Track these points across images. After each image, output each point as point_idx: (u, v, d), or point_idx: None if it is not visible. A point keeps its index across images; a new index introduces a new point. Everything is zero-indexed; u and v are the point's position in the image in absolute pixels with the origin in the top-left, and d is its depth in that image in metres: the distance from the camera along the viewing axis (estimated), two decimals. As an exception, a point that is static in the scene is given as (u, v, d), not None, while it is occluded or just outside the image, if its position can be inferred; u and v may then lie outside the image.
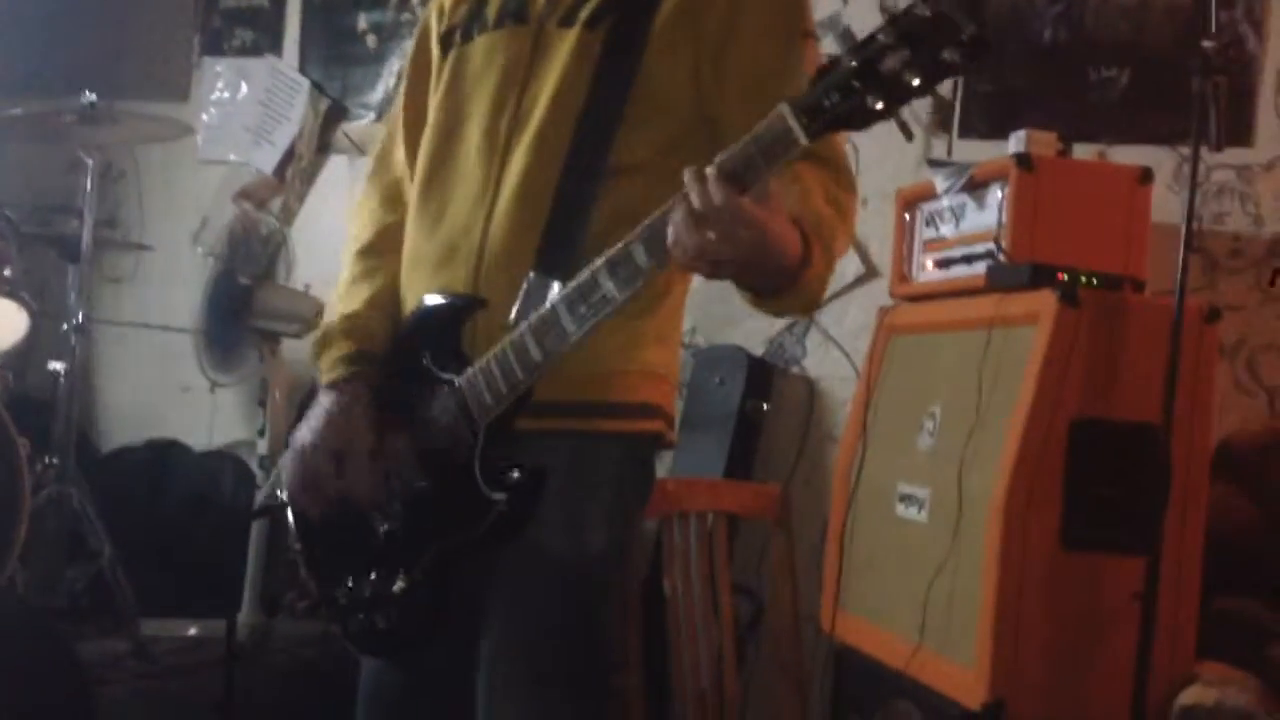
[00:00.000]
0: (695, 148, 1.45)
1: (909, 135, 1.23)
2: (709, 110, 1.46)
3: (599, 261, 1.31)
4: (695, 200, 1.21)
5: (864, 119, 1.17)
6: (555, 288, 1.38)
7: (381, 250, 1.62)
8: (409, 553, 1.46)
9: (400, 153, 1.65)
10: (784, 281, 1.31)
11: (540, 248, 1.42)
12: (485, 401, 1.40)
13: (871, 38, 1.15)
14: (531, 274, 1.39)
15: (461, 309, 1.46)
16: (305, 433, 1.51)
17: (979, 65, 1.17)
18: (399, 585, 1.46)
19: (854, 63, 1.15)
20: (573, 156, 1.43)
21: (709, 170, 1.21)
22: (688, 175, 1.22)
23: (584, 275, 1.32)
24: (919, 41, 1.12)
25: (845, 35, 1.18)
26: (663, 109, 1.45)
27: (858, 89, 1.15)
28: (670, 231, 1.24)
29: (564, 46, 1.47)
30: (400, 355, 1.52)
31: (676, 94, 1.46)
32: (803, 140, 1.19)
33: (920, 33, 1.12)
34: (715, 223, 1.21)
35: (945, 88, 3.12)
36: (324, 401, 1.53)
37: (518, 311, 1.39)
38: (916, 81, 1.13)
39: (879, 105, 1.15)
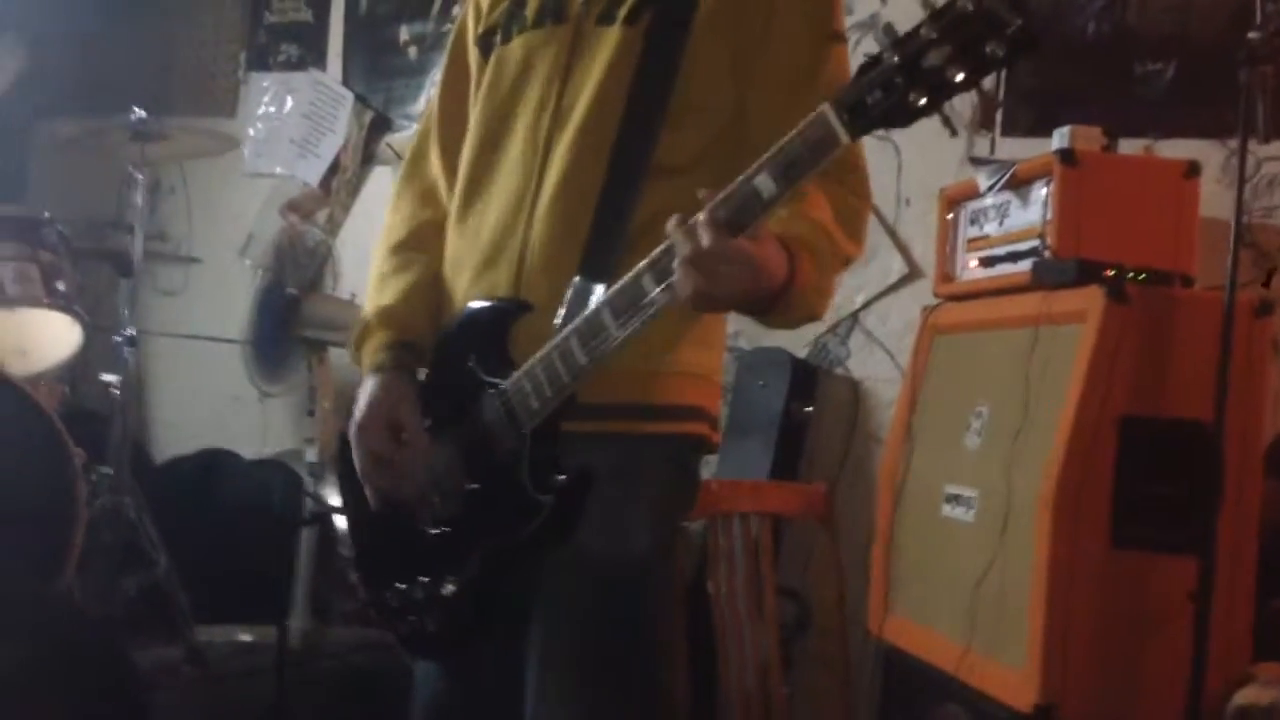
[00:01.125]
0: (737, 148, 1.46)
1: (954, 131, 1.22)
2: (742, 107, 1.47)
3: (642, 264, 1.31)
4: (685, 249, 1.24)
5: (907, 116, 1.16)
6: (599, 291, 1.38)
7: (416, 246, 1.62)
8: (458, 556, 1.47)
9: (435, 155, 1.65)
10: (773, 301, 1.33)
11: (586, 251, 1.42)
12: (531, 406, 1.40)
13: (914, 32, 1.14)
14: (577, 279, 1.40)
15: (508, 313, 1.46)
16: (356, 416, 1.53)
17: (1024, 58, 1.14)
18: (449, 588, 1.47)
19: (896, 59, 1.14)
20: (617, 156, 1.44)
21: (700, 217, 1.24)
22: (673, 228, 1.25)
23: (627, 279, 1.32)
24: (962, 36, 1.11)
25: (887, 30, 1.17)
26: (706, 108, 1.45)
27: (900, 85, 1.14)
28: (675, 274, 1.27)
29: (604, 44, 1.47)
30: (446, 358, 1.52)
31: (719, 92, 1.46)
32: (844, 139, 1.18)
33: (964, 27, 1.10)
34: (704, 266, 1.24)
35: (987, 84, 3.10)
36: (368, 386, 1.54)
37: (564, 317, 1.39)
38: (960, 77, 1.12)
39: (922, 101, 1.14)
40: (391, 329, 1.56)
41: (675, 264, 1.26)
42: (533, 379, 1.39)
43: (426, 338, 1.57)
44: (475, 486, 1.46)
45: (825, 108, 1.19)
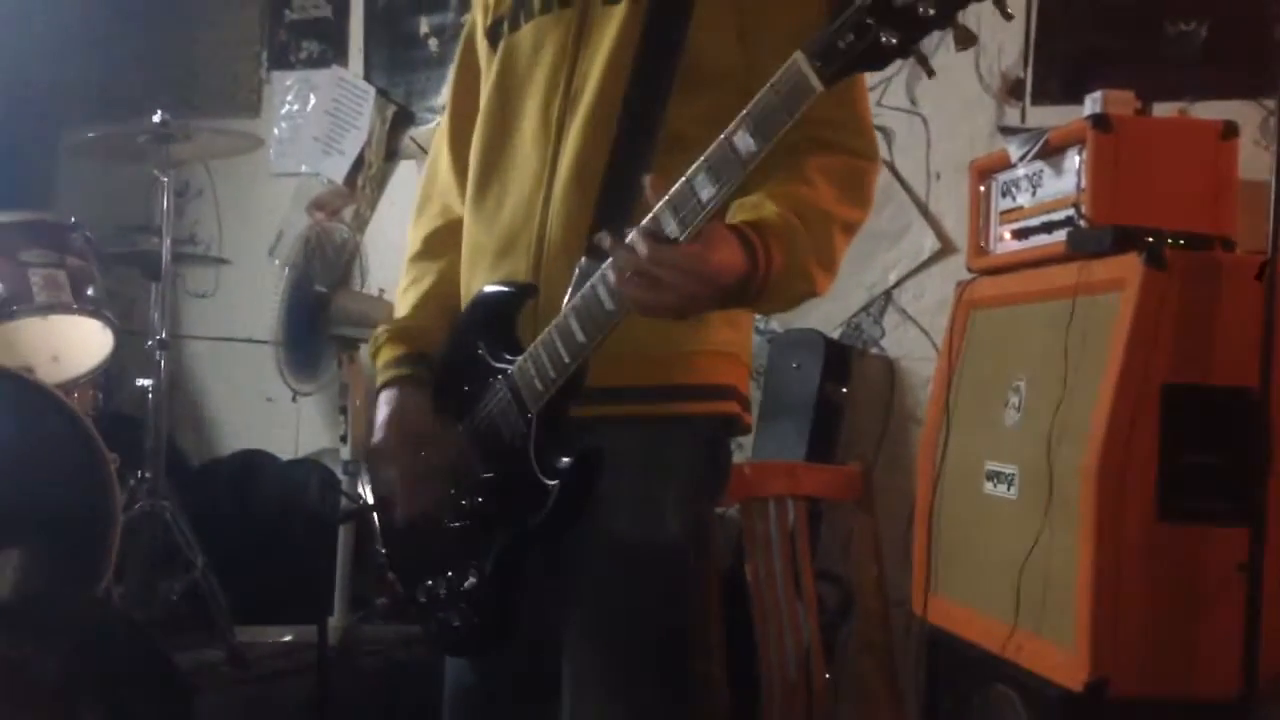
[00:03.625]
0: None
1: (930, 71, 1.17)
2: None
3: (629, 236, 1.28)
4: (624, 262, 1.22)
5: (881, 58, 1.12)
6: (603, 267, 1.35)
7: (430, 255, 1.63)
8: (478, 548, 1.45)
9: (446, 158, 1.65)
10: (748, 294, 1.30)
11: (591, 231, 1.39)
12: (536, 388, 1.38)
13: None
14: (583, 260, 1.37)
15: (515, 297, 1.45)
16: (373, 442, 1.54)
17: None
18: (470, 582, 1.45)
19: None
20: (623, 131, 1.41)
21: (634, 231, 1.22)
22: (608, 242, 1.24)
23: (615, 252, 1.29)
24: None
25: None
26: (712, 78, 1.42)
27: (871, 26, 1.11)
28: (616, 284, 1.25)
29: (610, 23, 1.45)
30: (457, 347, 1.51)
31: (725, 62, 1.43)
32: (818, 87, 1.15)
33: None
34: (648, 276, 1.22)
35: (1014, 53, 3.04)
36: (380, 407, 1.54)
37: (569, 298, 1.37)
38: (932, 12, 1.09)
39: (894, 41, 1.11)
40: (399, 343, 1.57)
41: (614, 278, 1.24)
42: (536, 361, 1.37)
43: (444, 339, 1.56)
44: (489, 475, 1.44)
45: (797, 55, 1.16)
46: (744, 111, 1.19)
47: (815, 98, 1.16)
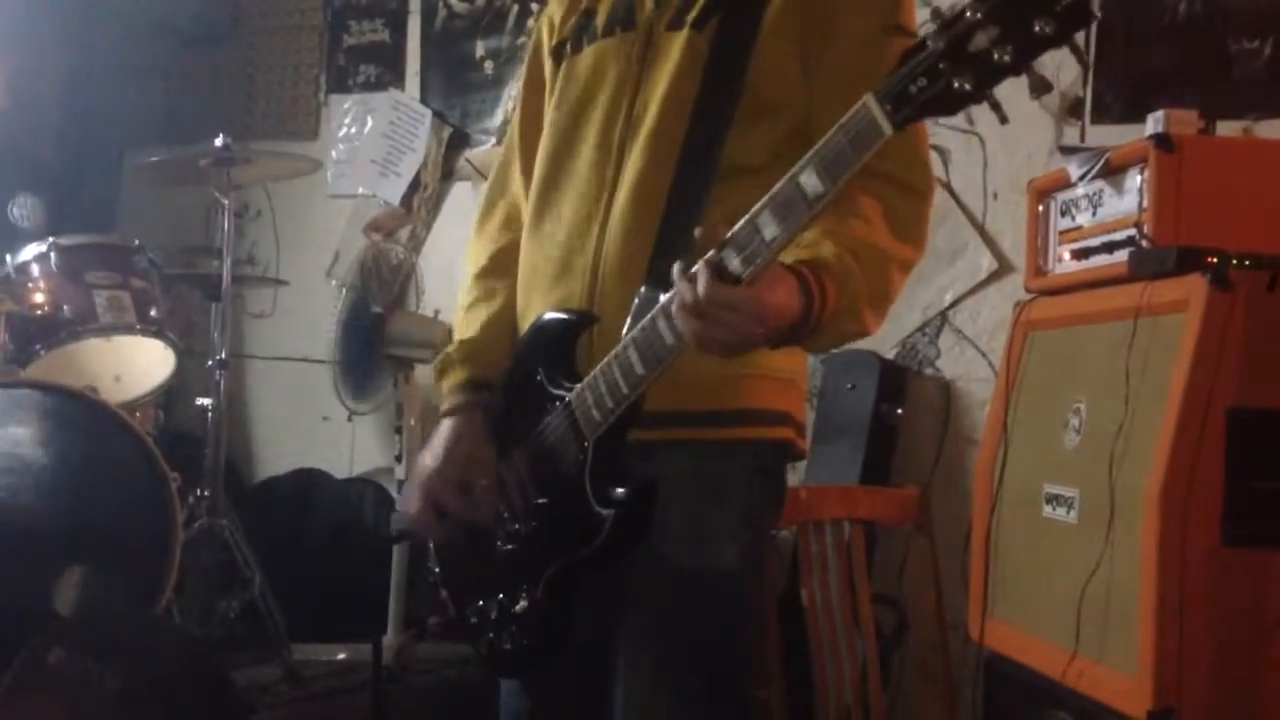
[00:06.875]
0: (808, 146, 1.42)
1: (1004, 118, 1.16)
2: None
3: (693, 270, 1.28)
4: (684, 296, 1.22)
5: (953, 103, 1.11)
6: (663, 300, 1.35)
7: (499, 272, 1.62)
8: (530, 572, 1.45)
9: (516, 172, 1.65)
10: (800, 334, 1.30)
11: (652, 258, 1.39)
12: (593, 417, 1.38)
13: (958, 15, 1.09)
14: (643, 288, 1.37)
15: (575, 324, 1.45)
16: (428, 460, 1.53)
17: (1078, 33, 1.08)
18: (521, 605, 1.45)
19: (940, 44, 1.09)
20: (685, 159, 1.41)
21: (698, 267, 1.22)
22: (676, 273, 1.24)
23: (679, 285, 1.29)
24: (1009, 15, 1.06)
25: (934, 14, 1.13)
26: (775, 107, 1.42)
27: (945, 71, 1.09)
28: (675, 316, 1.25)
29: (673, 50, 1.45)
30: (517, 372, 1.52)
31: (789, 91, 1.43)
32: (888, 131, 1.14)
33: (1010, 6, 1.06)
34: (705, 314, 1.22)
35: (1072, 73, 3.01)
36: (442, 431, 1.55)
37: (629, 327, 1.37)
38: (1008, 59, 1.07)
39: (968, 87, 1.09)
40: (470, 366, 1.56)
41: (674, 311, 1.24)
42: (594, 390, 1.37)
43: (506, 364, 1.56)
44: (543, 501, 1.44)
45: (868, 98, 1.15)
46: (811, 151, 1.18)
47: (884, 141, 1.15)
